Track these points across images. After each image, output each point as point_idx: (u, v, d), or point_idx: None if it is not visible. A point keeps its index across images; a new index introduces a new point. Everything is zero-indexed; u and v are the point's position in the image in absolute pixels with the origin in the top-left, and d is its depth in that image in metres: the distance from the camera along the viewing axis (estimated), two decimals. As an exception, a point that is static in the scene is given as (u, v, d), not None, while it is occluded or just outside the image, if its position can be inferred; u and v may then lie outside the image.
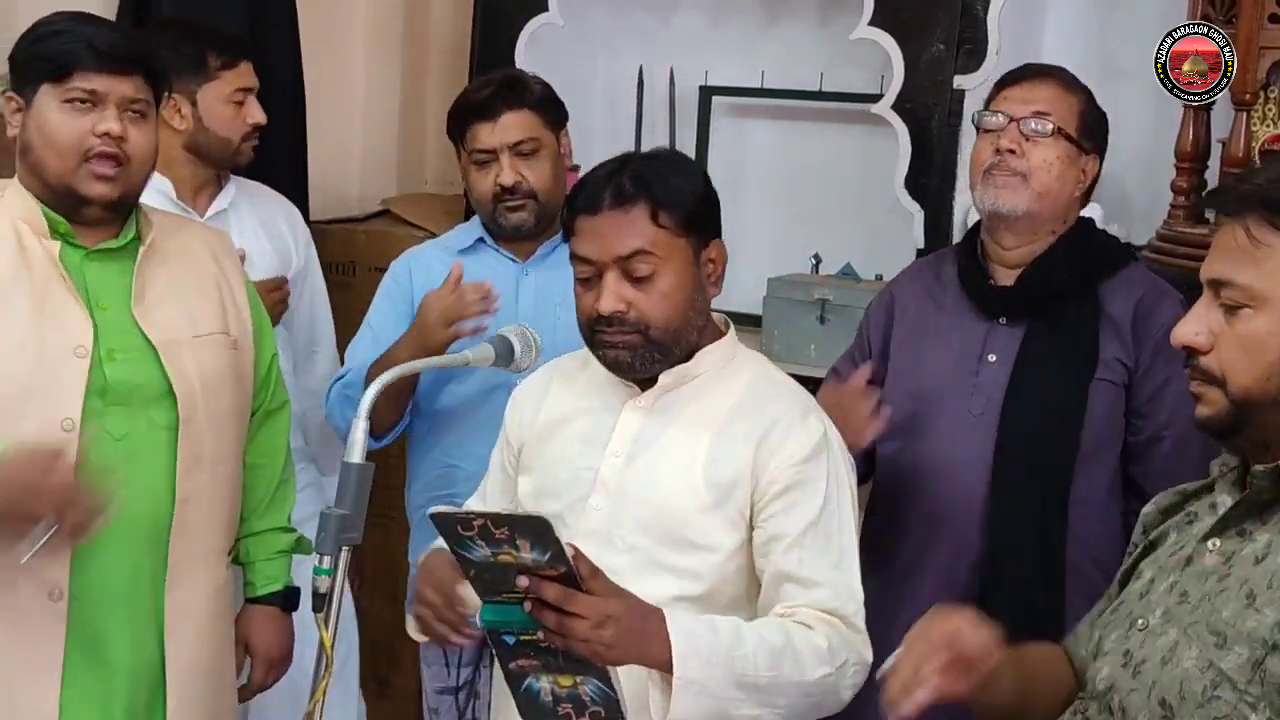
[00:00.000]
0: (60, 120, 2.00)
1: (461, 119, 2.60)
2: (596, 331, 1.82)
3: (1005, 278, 2.35)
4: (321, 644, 1.55)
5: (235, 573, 2.31)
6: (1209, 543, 1.48)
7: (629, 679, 1.61)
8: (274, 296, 2.78)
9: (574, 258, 1.84)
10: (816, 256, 3.51)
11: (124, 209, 2.08)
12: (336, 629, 1.56)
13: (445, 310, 2.40)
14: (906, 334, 2.44)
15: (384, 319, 2.61)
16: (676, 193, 1.82)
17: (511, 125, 2.54)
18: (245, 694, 2.33)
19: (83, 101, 2.00)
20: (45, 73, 2.01)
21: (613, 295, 1.80)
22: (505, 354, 1.77)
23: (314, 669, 1.57)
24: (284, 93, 3.54)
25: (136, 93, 2.04)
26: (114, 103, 2.02)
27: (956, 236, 3.13)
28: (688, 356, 1.87)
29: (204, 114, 2.77)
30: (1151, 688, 1.42)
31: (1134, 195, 3.14)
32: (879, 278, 3.45)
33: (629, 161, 1.87)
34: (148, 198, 2.75)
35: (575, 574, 1.50)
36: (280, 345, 2.92)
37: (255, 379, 2.25)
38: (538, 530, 1.45)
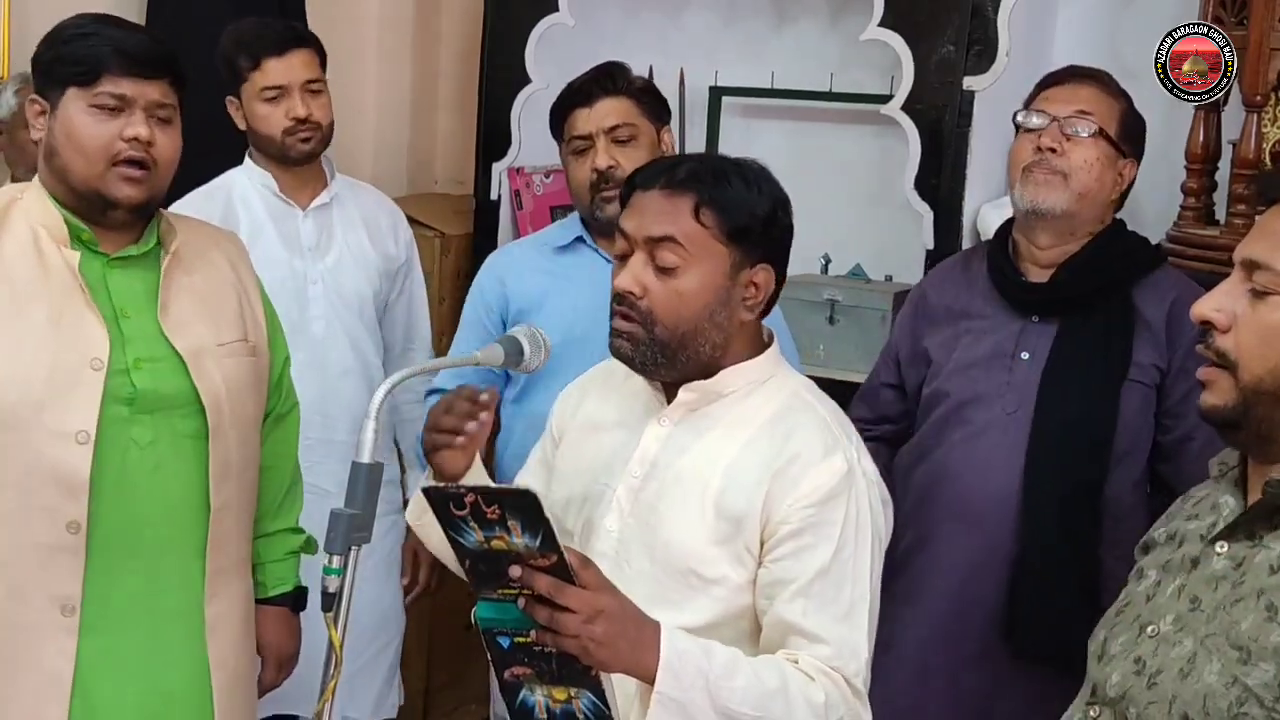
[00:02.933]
0: (88, 124, 1.99)
1: (561, 108, 2.59)
2: (614, 314, 1.77)
3: (1038, 275, 2.35)
4: (330, 643, 1.55)
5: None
6: (1217, 545, 1.47)
7: (620, 701, 1.56)
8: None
9: (616, 230, 1.80)
10: (826, 257, 3.51)
11: (148, 212, 2.08)
12: (346, 628, 1.56)
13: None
14: (938, 333, 2.44)
15: (469, 322, 2.64)
16: (731, 198, 1.74)
17: (608, 111, 2.52)
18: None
19: (111, 106, 1.99)
20: (72, 76, 2.00)
21: (632, 275, 1.74)
22: (514, 354, 1.77)
23: (323, 668, 1.57)
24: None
25: (163, 97, 2.03)
26: (142, 107, 2.01)
27: (966, 237, 3.13)
28: (707, 371, 1.78)
29: (248, 114, 2.90)
30: (1172, 701, 1.40)
31: (1145, 196, 3.13)
32: (889, 279, 3.45)
33: (704, 158, 1.83)
34: (248, 189, 2.92)
35: (566, 565, 1.47)
36: (374, 342, 3.03)
37: (269, 383, 2.25)
38: (526, 508, 1.41)
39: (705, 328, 1.74)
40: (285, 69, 2.85)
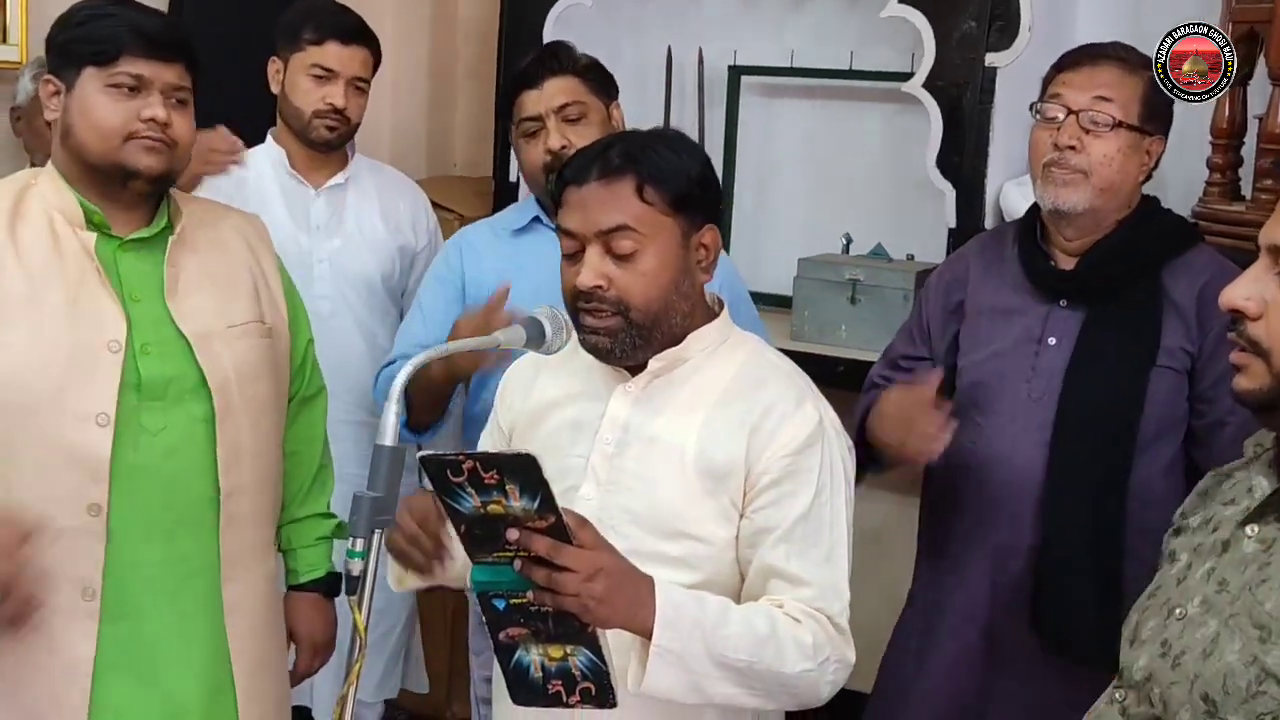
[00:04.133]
0: (105, 104, 1.99)
1: (509, 93, 2.59)
2: (579, 311, 1.77)
3: (1066, 261, 2.32)
4: (354, 626, 1.55)
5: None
6: (1247, 528, 1.45)
7: (615, 656, 1.58)
8: (211, 142, 2.83)
9: (559, 231, 1.80)
10: (847, 236, 3.49)
11: (164, 186, 2.08)
12: (370, 611, 1.56)
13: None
14: (964, 315, 2.41)
15: (434, 300, 2.59)
16: (666, 169, 1.75)
17: (556, 91, 2.51)
18: (291, 680, 2.32)
19: (129, 87, 1.99)
20: (89, 56, 1.99)
21: (592, 270, 1.74)
22: (536, 336, 1.76)
23: (348, 651, 1.58)
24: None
25: (180, 80, 2.03)
26: (159, 89, 2.00)
27: (989, 216, 3.11)
28: (675, 341, 1.81)
29: (287, 81, 2.94)
30: (1193, 681, 1.40)
31: (1169, 172, 3.10)
32: (910, 257, 3.43)
33: (624, 137, 1.83)
34: (264, 165, 2.95)
35: (564, 525, 1.48)
36: (383, 324, 3.02)
37: (291, 365, 2.24)
38: (526, 470, 1.43)
39: (674, 300, 1.78)
40: (345, 57, 2.91)
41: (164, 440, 2.01)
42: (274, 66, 2.96)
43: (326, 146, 2.96)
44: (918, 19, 3.12)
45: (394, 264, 3.06)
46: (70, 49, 2.02)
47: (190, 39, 2.08)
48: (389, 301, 3.07)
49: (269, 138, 3.01)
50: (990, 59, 3.06)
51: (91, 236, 2.02)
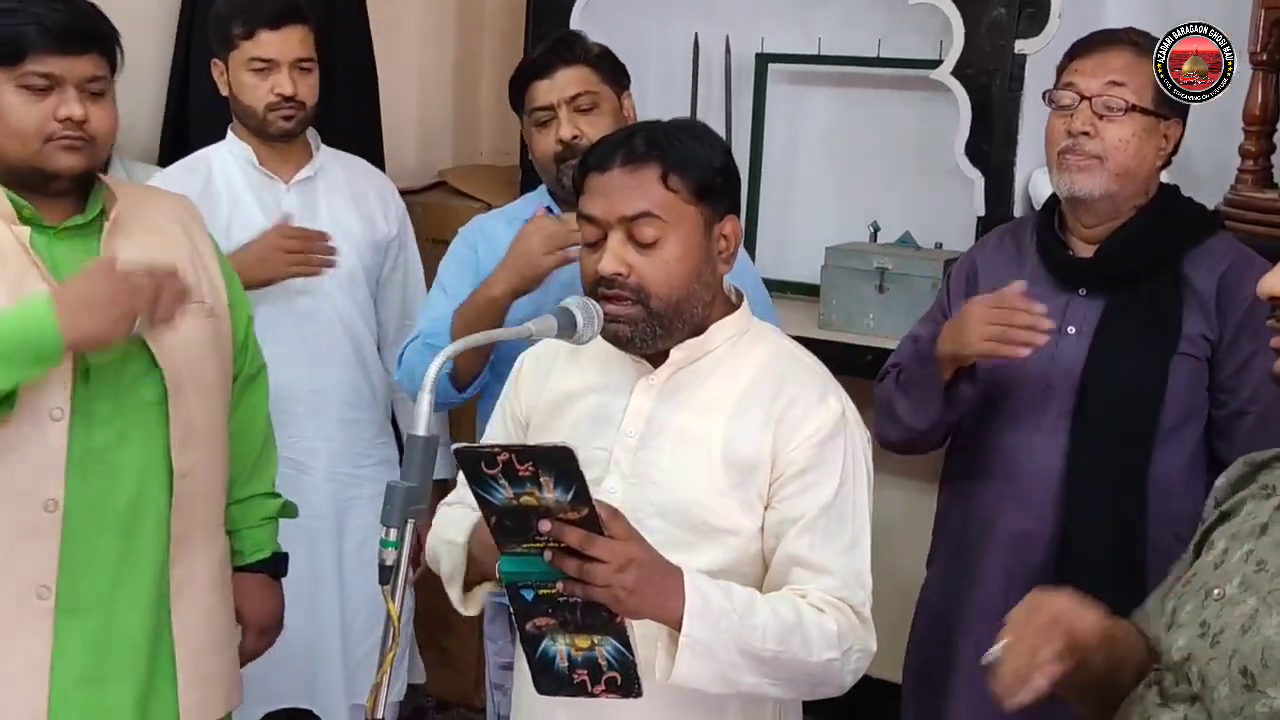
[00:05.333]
0: (18, 105, 1.92)
1: (520, 82, 2.58)
2: (599, 298, 1.76)
3: (1084, 249, 2.32)
4: (389, 616, 1.55)
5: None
6: None
7: (640, 647, 1.59)
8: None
9: (580, 217, 1.80)
10: (875, 225, 3.48)
11: (88, 180, 2.03)
12: (403, 601, 1.57)
13: (552, 235, 2.36)
14: None
15: (455, 279, 2.58)
16: (690, 158, 1.75)
17: (568, 80, 2.50)
18: (240, 661, 2.31)
19: (40, 87, 1.92)
20: None
21: (614, 256, 1.74)
22: (568, 325, 1.76)
23: (381, 641, 1.58)
24: (353, 67, 3.58)
25: (95, 70, 1.96)
26: (73, 84, 1.94)
27: (1018, 204, 3.10)
28: (696, 331, 1.81)
29: (232, 82, 2.85)
30: (1231, 656, 1.40)
31: (1200, 160, 3.08)
32: (939, 246, 3.42)
33: (648, 126, 1.82)
34: (229, 163, 2.89)
35: (596, 517, 1.48)
36: (364, 318, 2.99)
37: (234, 345, 2.22)
38: (562, 463, 1.43)
39: (696, 289, 1.78)
40: (278, 43, 2.80)
41: (116, 428, 2.00)
42: (217, 69, 2.87)
43: (288, 136, 2.88)
44: (946, 6, 3.10)
45: (371, 256, 3.00)
46: None
47: (104, 24, 2.01)
48: (367, 294, 3.02)
49: (229, 134, 2.93)
50: (1020, 46, 3.04)
51: (25, 230, 1.97)
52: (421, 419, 1.57)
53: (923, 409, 2.32)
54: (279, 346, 2.65)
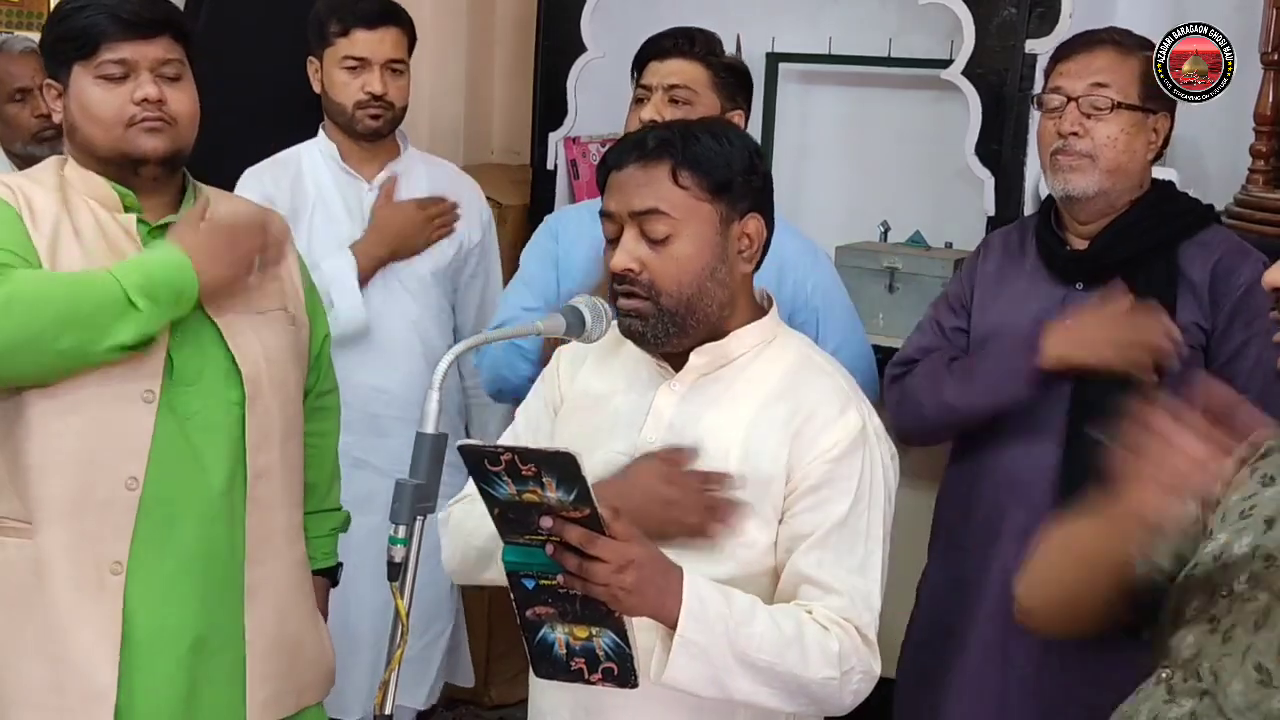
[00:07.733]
0: (98, 95, 2.01)
1: (641, 56, 2.61)
2: (617, 295, 1.78)
3: (1080, 243, 2.35)
4: (396, 612, 1.56)
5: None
6: None
7: (640, 641, 1.59)
8: (429, 212, 2.95)
9: (601, 215, 1.81)
10: (885, 225, 3.48)
11: (176, 166, 2.09)
12: (411, 598, 1.57)
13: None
14: (987, 298, 2.44)
15: (537, 269, 2.61)
16: (704, 155, 1.75)
17: (675, 70, 2.53)
18: None
19: (116, 75, 2.01)
20: (73, 52, 2.01)
21: (626, 253, 1.75)
22: (576, 324, 1.76)
23: (389, 637, 1.59)
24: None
25: (167, 53, 2.04)
26: (146, 68, 2.02)
27: (1028, 203, 3.10)
28: (715, 334, 1.80)
29: (325, 79, 2.93)
30: (1246, 652, 1.41)
31: (1210, 159, 3.08)
32: (949, 246, 3.42)
33: (667, 125, 1.83)
34: (317, 159, 2.96)
35: (598, 516, 1.49)
36: (437, 321, 3.02)
37: (310, 356, 2.26)
38: (565, 467, 1.44)
39: (709, 287, 1.77)
40: (373, 42, 2.87)
41: (198, 423, 2.04)
42: (312, 67, 2.95)
43: (375, 136, 2.94)
44: (957, 5, 3.10)
45: (449, 259, 3.03)
46: (56, 49, 2.05)
47: (174, 11, 2.08)
48: (441, 298, 3.05)
49: (320, 132, 3.00)
50: (1030, 46, 3.04)
51: (131, 218, 2.04)
52: (429, 417, 1.58)
53: (990, 391, 2.31)
54: (348, 345, 2.70)
